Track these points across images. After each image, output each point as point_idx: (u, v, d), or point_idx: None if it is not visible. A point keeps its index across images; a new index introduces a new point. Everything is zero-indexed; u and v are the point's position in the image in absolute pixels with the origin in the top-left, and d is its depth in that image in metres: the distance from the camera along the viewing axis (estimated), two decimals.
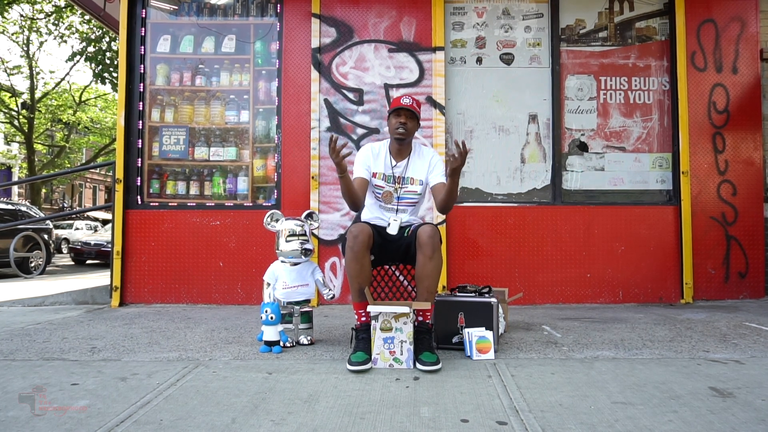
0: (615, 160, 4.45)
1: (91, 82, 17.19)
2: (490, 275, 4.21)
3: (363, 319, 2.54)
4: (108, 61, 12.01)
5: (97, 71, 12.00)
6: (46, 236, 9.19)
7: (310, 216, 3.02)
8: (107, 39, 12.41)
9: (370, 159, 2.78)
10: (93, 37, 12.97)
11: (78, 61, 14.29)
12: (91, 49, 12.57)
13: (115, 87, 12.25)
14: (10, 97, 18.00)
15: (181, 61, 4.54)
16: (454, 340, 2.71)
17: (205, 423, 1.73)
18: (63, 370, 2.32)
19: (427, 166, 2.78)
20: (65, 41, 15.39)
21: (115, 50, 12.12)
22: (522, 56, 4.49)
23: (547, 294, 4.25)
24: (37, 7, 15.32)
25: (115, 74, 11.77)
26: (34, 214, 9.62)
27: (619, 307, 4.13)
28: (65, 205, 28.69)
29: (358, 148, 4.21)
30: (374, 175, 2.77)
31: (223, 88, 4.54)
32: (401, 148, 2.78)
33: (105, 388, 2.07)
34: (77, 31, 14.68)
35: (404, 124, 2.71)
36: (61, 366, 2.39)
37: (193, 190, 4.48)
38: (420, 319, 2.54)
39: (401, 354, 2.38)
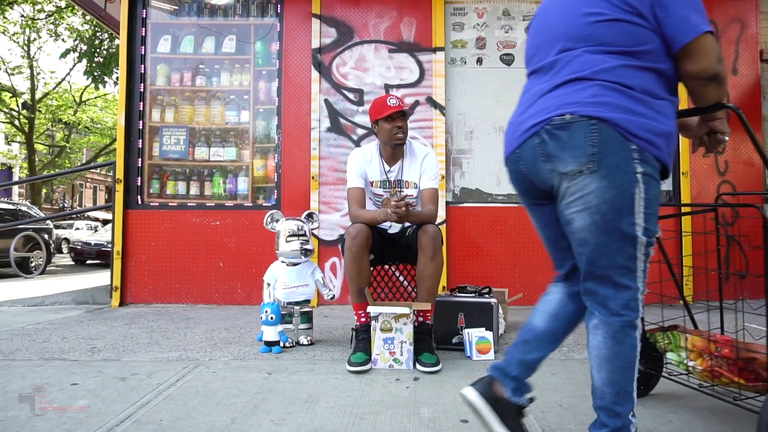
0: None
1: (90, 84, 17.22)
2: (490, 276, 4.20)
3: (363, 319, 2.54)
4: (101, 60, 12.01)
5: (88, 68, 12.01)
6: (46, 236, 9.20)
7: (310, 216, 3.02)
8: (102, 37, 12.42)
9: (365, 166, 2.70)
10: (88, 36, 13.01)
11: (79, 61, 14.33)
12: (84, 47, 12.63)
13: (97, 83, 12.24)
14: (10, 97, 18.01)
15: (182, 61, 4.54)
16: (454, 340, 2.71)
17: (204, 423, 1.73)
18: (63, 370, 2.32)
19: (419, 166, 2.68)
20: (63, 40, 15.43)
21: (106, 49, 12.13)
22: (522, 57, 4.48)
23: None
24: (38, 7, 15.33)
25: (107, 73, 11.82)
26: (35, 214, 9.62)
27: None
28: (65, 205, 28.70)
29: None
30: (372, 183, 2.72)
31: (224, 88, 4.54)
32: (395, 151, 2.69)
33: (105, 388, 2.07)
34: (75, 30, 14.70)
35: (401, 127, 2.59)
36: (61, 366, 2.39)
37: (193, 190, 4.49)
38: (420, 319, 2.53)
39: (401, 354, 2.38)
